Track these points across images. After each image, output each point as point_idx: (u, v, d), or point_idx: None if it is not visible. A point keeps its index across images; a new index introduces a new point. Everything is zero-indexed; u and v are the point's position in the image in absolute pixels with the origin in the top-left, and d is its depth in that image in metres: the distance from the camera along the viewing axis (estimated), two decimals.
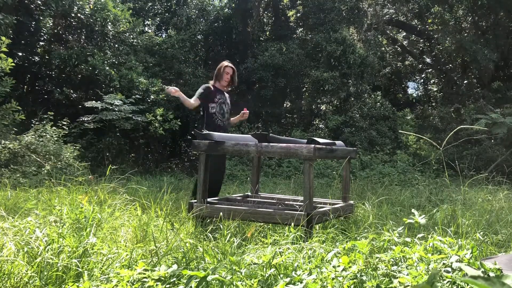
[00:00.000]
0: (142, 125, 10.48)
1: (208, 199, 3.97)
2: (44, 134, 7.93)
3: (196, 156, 11.66)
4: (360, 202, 4.91)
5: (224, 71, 4.91)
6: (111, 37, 11.87)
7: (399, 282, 1.97)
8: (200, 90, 4.86)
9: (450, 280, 1.99)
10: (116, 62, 11.42)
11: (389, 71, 17.18)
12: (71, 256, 2.42)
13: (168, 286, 1.98)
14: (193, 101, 4.75)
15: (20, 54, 10.64)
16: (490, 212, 4.46)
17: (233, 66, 4.99)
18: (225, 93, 4.99)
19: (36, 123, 8.46)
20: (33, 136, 7.68)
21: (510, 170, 9.48)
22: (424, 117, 15.29)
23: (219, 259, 2.56)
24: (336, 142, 4.13)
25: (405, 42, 18.37)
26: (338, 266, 2.12)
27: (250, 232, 3.34)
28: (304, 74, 13.50)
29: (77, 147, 8.34)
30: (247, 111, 4.95)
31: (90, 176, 5.72)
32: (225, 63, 4.98)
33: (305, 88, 14.29)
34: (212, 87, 4.89)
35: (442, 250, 2.32)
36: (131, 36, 12.28)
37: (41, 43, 11.41)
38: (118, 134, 10.52)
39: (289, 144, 3.55)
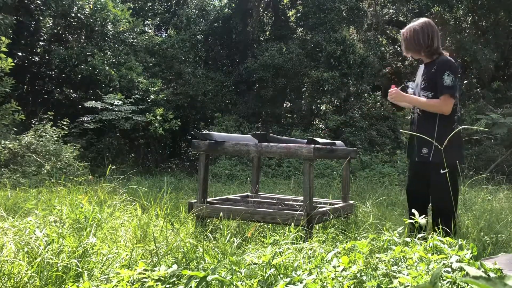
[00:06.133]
0: (142, 125, 10.49)
1: (208, 199, 3.96)
2: (44, 134, 7.93)
3: (196, 156, 11.65)
4: (360, 202, 4.90)
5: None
6: (111, 37, 11.87)
7: (399, 282, 1.97)
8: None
9: (451, 280, 1.99)
10: (116, 62, 11.42)
11: (389, 71, 17.15)
12: (71, 256, 2.41)
13: (168, 286, 1.98)
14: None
15: (20, 54, 10.65)
16: (490, 212, 4.45)
17: (404, 30, 3.45)
18: (420, 70, 3.49)
19: (36, 123, 8.46)
20: (33, 136, 7.68)
21: (510, 170, 9.47)
22: None
23: (219, 259, 2.56)
24: (336, 142, 4.12)
25: None
26: (338, 266, 2.12)
27: (250, 232, 3.33)
28: (304, 74, 13.50)
29: (77, 147, 8.34)
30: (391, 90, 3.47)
31: (90, 176, 5.72)
32: None
33: (305, 88, 14.29)
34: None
35: (442, 250, 2.32)
36: (131, 36, 12.28)
37: (41, 43, 11.41)
38: (118, 134, 10.52)
39: (289, 144, 3.55)
